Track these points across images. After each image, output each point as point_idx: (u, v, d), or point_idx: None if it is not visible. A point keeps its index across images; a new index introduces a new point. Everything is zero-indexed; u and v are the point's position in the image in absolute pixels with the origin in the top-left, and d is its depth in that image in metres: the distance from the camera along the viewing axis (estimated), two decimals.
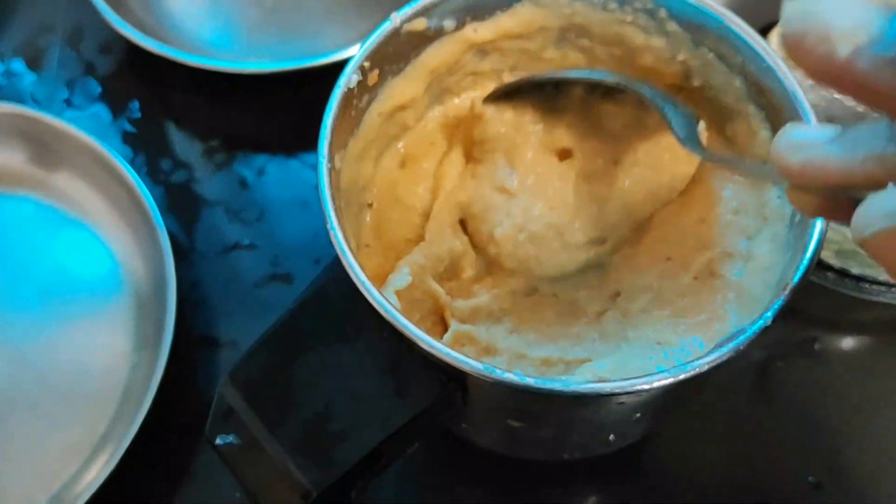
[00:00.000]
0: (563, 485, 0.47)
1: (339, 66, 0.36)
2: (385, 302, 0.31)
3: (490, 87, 0.44)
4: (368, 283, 0.32)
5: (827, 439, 0.49)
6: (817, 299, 0.51)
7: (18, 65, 0.63)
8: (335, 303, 0.35)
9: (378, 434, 0.33)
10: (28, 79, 0.63)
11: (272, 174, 0.58)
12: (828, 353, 0.51)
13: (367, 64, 0.37)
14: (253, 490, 0.35)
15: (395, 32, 0.38)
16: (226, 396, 0.35)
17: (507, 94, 0.42)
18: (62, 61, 0.63)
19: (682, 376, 0.30)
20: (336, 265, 0.35)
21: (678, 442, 0.49)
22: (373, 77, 0.38)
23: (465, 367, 0.30)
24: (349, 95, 0.36)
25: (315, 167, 0.56)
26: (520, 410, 0.35)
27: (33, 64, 0.63)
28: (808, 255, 0.32)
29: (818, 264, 0.49)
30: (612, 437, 0.41)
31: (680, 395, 0.39)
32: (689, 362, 0.30)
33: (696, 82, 0.40)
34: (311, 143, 0.58)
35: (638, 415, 0.36)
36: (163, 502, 0.48)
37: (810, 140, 0.24)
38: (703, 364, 0.30)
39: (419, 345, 0.31)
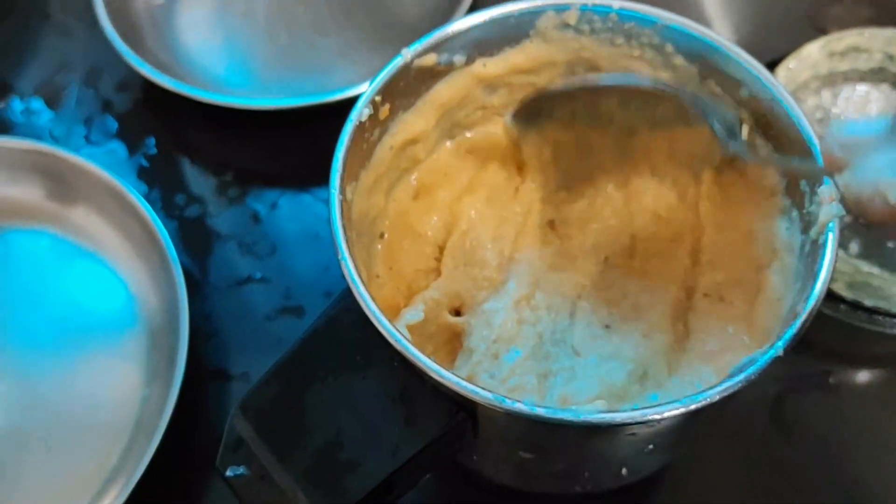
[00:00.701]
0: None
1: (350, 103, 0.37)
2: (396, 332, 0.32)
3: (499, 122, 0.45)
4: (379, 314, 0.32)
5: (846, 471, 0.48)
6: (830, 332, 0.51)
7: (37, 103, 0.64)
8: (346, 332, 0.35)
9: (389, 464, 0.33)
10: (47, 116, 0.64)
11: (284, 208, 0.59)
12: (843, 386, 0.51)
13: (378, 98, 0.37)
14: None
15: (406, 68, 0.39)
16: (236, 427, 0.35)
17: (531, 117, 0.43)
18: (80, 99, 0.64)
19: (693, 406, 0.30)
20: (347, 296, 0.35)
21: (693, 476, 0.48)
22: (384, 111, 0.38)
23: (475, 397, 0.30)
24: (361, 129, 0.37)
25: (327, 201, 0.58)
26: (531, 441, 0.35)
27: (52, 102, 0.64)
28: (819, 284, 0.32)
29: (830, 296, 0.49)
30: (624, 470, 0.41)
31: (693, 427, 0.39)
32: (700, 392, 0.30)
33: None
34: (322, 178, 0.59)
35: (651, 446, 0.36)
36: None
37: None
38: (714, 394, 0.30)
39: (429, 375, 0.31)
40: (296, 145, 0.61)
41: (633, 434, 0.33)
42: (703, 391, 0.30)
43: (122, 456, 0.49)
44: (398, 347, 0.31)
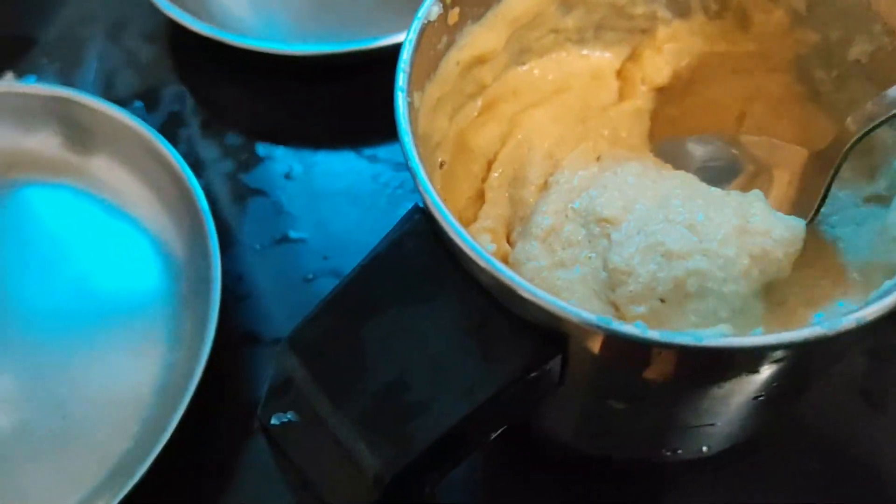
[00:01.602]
0: (651, 493, 0.41)
1: (390, 54, 0.32)
2: (480, 248, 0.27)
3: (572, 50, 0.40)
4: (460, 228, 0.27)
5: None
6: None
7: (59, 55, 0.60)
8: (411, 258, 0.30)
9: (463, 406, 0.28)
10: (69, 69, 0.60)
11: (321, 166, 0.55)
12: None
13: None
14: (314, 478, 0.30)
15: None
16: (284, 366, 0.30)
17: None
18: (103, 52, 0.60)
19: (839, 329, 0.25)
20: (412, 217, 0.30)
21: (777, 454, 0.44)
22: (453, 15, 0.34)
23: (574, 319, 0.26)
24: (429, 30, 0.32)
25: (369, 158, 0.54)
26: (626, 385, 0.30)
27: (74, 55, 0.60)
28: None
29: None
30: (714, 432, 0.36)
31: (805, 379, 0.34)
32: (846, 315, 0.25)
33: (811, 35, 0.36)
34: (361, 135, 0.56)
35: (762, 397, 0.31)
36: None
37: None
38: (863, 317, 0.25)
39: (520, 294, 0.26)
40: (333, 100, 0.57)
41: (756, 371, 0.28)
42: (849, 314, 0.25)
43: (144, 426, 0.45)
44: (483, 264, 0.26)
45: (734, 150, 0.38)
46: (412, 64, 0.31)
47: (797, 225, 0.33)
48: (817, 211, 0.35)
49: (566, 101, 0.39)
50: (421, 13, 0.32)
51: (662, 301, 0.31)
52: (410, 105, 0.30)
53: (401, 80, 0.30)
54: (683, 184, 0.35)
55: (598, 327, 0.25)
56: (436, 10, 0.32)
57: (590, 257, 0.34)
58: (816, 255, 0.35)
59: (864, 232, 0.35)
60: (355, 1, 0.59)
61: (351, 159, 0.55)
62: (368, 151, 0.55)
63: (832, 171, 0.34)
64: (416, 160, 0.29)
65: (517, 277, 0.26)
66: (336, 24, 0.58)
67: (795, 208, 0.35)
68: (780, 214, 0.33)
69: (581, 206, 0.35)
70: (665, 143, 0.40)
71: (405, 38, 0.31)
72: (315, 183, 0.54)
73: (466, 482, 0.43)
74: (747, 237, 0.32)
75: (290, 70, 0.57)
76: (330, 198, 0.53)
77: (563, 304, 0.26)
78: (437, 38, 0.34)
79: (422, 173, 0.28)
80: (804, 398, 0.44)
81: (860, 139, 0.32)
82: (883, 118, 0.31)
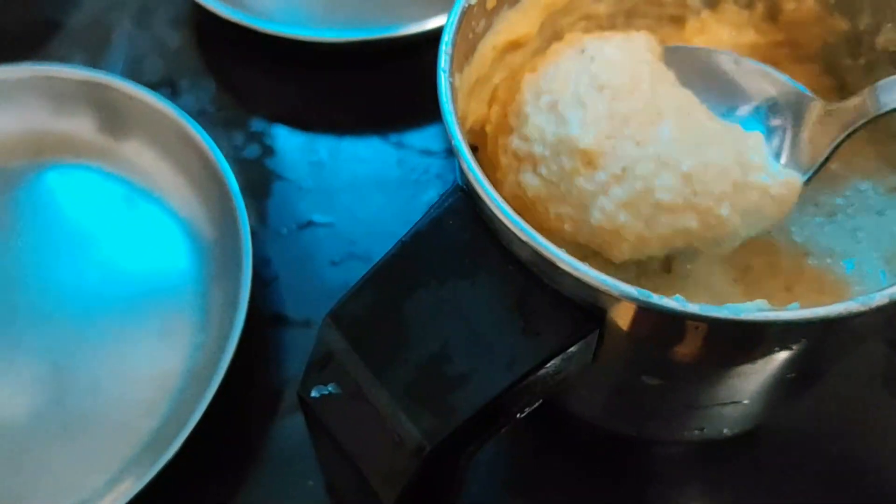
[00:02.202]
0: (673, 472, 0.42)
1: (420, 42, 0.33)
2: (520, 220, 0.28)
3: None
4: (501, 201, 0.28)
5: None
6: None
7: (86, 41, 0.61)
8: (452, 234, 0.31)
9: (505, 377, 0.29)
10: (95, 55, 0.60)
11: (349, 151, 0.55)
12: None
13: None
14: (353, 450, 0.31)
15: None
16: (326, 339, 0.31)
17: None
18: (131, 38, 0.61)
19: (873, 304, 0.26)
20: (452, 194, 0.31)
21: (796, 438, 0.44)
22: (492, 0, 0.34)
23: (614, 292, 0.26)
24: (469, 14, 0.33)
25: (396, 144, 0.55)
26: (661, 360, 0.31)
27: (100, 41, 0.61)
28: None
29: None
30: (741, 412, 0.36)
31: (836, 357, 0.35)
32: (883, 290, 0.26)
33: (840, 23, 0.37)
34: (389, 122, 0.57)
35: (793, 374, 0.32)
36: (229, 491, 0.44)
37: None
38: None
39: (561, 267, 0.27)
40: (359, 86, 0.58)
41: (788, 348, 0.29)
42: (884, 289, 0.26)
43: (173, 407, 0.45)
44: (525, 237, 0.27)
45: (748, 76, 0.36)
46: (454, 45, 0.31)
47: (794, 182, 0.32)
48: (817, 171, 0.33)
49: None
50: None
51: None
52: (452, 86, 0.31)
53: (443, 61, 0.31)
54: (680, 108, 0.33)
55: (637, 300, 0.26)
56: None
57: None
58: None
59: (886, 222, 0.36)
60: None
61: (376, 145, 0.55)
62: (394, 137, 0.55)
63: (843, 135, 0.33)
64: (459, 139, 0.29)
65: (558, 251, 0.27)
66: (363, 10, 0.59)
67: (795, 157, 0.34)
68: (777, 167, 0.32)
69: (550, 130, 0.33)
70: (675, 49, 0.38)
71: (447, 20, 0.32)
72: (340, 168, 0.55)
73: (489, 462, 0.44)
74: (742, 192, 0.31)
75: (316, 56, 0.57)
76: (356, 183, 0.54)
77: (602, 276, 0.26)
78: (477, 21, 0.34)
79: (465, 151, 0.29)
80: (825, 385, 0.44)
81: (883, 115, 0.32)
82: None
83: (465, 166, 0.29)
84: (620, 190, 0.31)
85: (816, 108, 0.34)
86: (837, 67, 0.39)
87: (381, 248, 0.50)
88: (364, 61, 0.57)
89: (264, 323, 0.49)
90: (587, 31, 0.41)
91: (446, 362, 0.29)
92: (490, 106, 0.38)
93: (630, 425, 0.38)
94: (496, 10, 0.35)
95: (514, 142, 0.34)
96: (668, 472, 0.43)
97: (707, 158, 0.31)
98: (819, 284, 0.35)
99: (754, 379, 0.32)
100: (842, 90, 0.39)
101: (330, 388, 0.31)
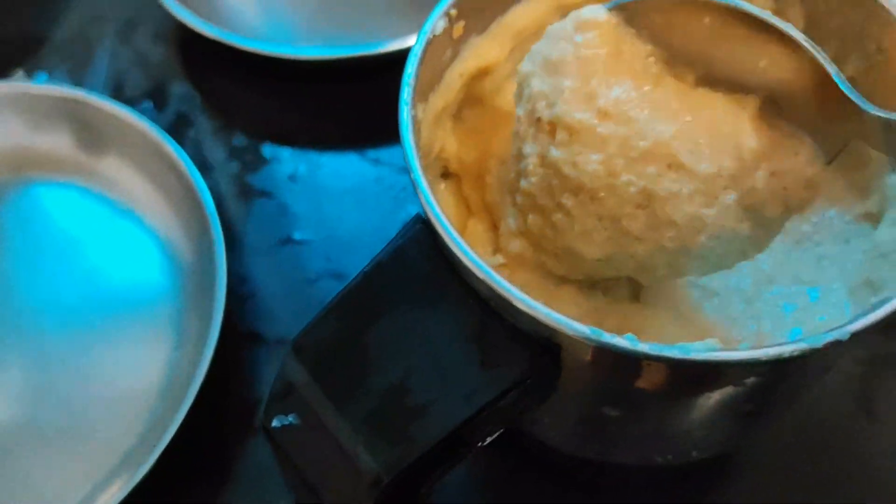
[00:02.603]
0: (647, 494, 0.42)
1: (398, 57, 0.33)
2: (476, 257, 0.28)
3: None
4: (457, 236, 0.28)
5: None
6: None
7: (68, 55, 0.61)
8: (415, 265, 0.31)
9: (462, 410, 0.29)
10: (79, 68, 0.60)
11: (328, 167, 0.56)
12: None
13: (453, 12, 0.34)
14: (313, 479, 0.31)
15: None
16: (287, 370, 0.31)
17: None
18: (113, 53, 0.61)
19: (822, 344, 0.26)
20: (416, 224, 0.31)
21: (769, 459, 0.45)
22: (458, 29, 0.35)
23: (567, 331, 0.26)
24: (434, 44, 0.33)
25: (373, 161, 0.55)
26: (619, 393, 0.31)
27: (83, 55, 0.61)
28: None
29: None
30: (705, 439, 0.37)
31: (793, 391, 0.35)
32: (832, 329, 0.26)
33: None
34: (368, 137, 0.57)
35: (750, 406, 0.32)
36: None
37: None
38: (856, 327, 0.26)
39: (515, 305, 0.27)
40: (340, 102, 0.58)
41: (742, 384, 0.29)
42: (834, 329, 0.26)
43: (148, 424, 0.46)
44: (479, 274, 0.27)
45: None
46: (417, 77, 0.32)
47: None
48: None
49: None
50: (427, 27, 0.33)
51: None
52: (414, 118, 0.31)
53: (406, 93, 0.31)
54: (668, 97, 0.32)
55: (589, 339, 0.26)
56: (441, 25, 0.33)
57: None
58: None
59: (851, 251, 0.36)
60: (363, 4, 0.60)
61: (355, 162, 0.56)
62: (373, 154, 0.56)
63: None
64: (418, 172, 0.29)
65: (512, 289, 0.27)
66: (344, 26, 0.59)
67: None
68: None
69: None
70: None
71: (411, 51, 0.32)
72: (320, 185, 0.55)
73: (461, 485, 0.44)
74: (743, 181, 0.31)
75: (298, 72, 0.57)
76: (334, 200, 0.54)
77: (555, 315, 0.26)
78: (442, 50, 0.34)
79: (423, 185, 0.29)
80: (798, 405, 0.44)
81: None
82: None
83: (423, 200, 0.29)
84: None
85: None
86: None
87: (357, 266, 0.51)
88: (346, 77, 0.58)
89: (240, 340, 0.49)
90: None
91: (406, 394, 0.30)
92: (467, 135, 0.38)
93: (596, 452, 0.38)
94: (463, 38, 0.36)
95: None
96: (642, 494, 0.43)
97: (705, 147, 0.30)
98: (782, 313, 0.35)
99: (714, 410, 0.32)
100: None
101: (291, 419, 0.31)
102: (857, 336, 0.26)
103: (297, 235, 0.53)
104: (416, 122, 0.32)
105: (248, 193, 0.55)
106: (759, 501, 0.43)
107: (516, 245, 0.35)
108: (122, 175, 0.53)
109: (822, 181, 0.34)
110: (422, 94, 0.33)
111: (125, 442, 0.45)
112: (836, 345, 0.26)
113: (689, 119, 0.31)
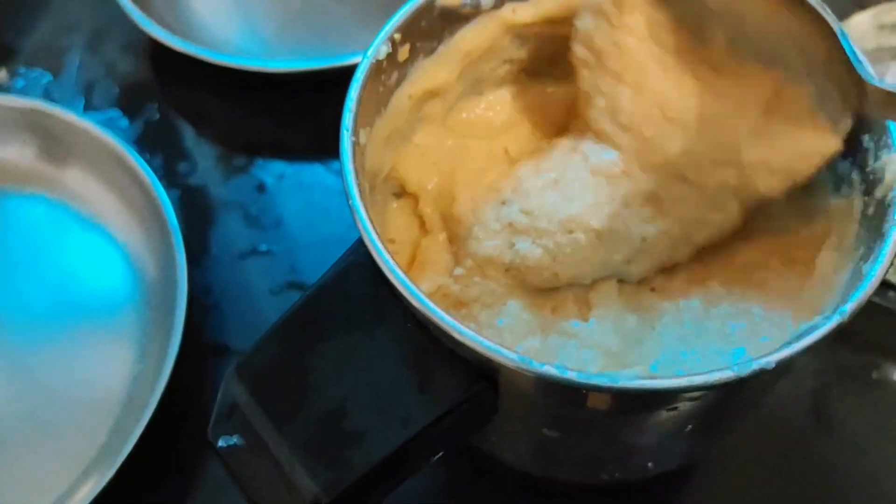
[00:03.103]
0: None
1: None
2: (410, 285, 0.28)
3: (526, 80, 0.41)
4: (393, 264, 0.29)
5: (887, 473, 0.45)
6: (877, 322, 0.47)
7: (38, 64, 0.61)
8: (355, 289, 0.31)
9: (399, 435, 0.29)
10: (47, 80, 0.61)
11: (292, 179, 0.56)
12: (887, 382, 0.47)
13: (397, 36, 0.34)
14: (257, 499, 0.32)
15: (429, 6, 0.35)
16: (230, 391, 0.32)
17: None
18: (83, 63, 0.61)
19: (745, 373, 0.26)
20: (357, 249, 0.32)
21: (726, 472, 0.45)
22: (403, 53, 0.35)
23: (498, 359, 0.27)
24: (377, 68, 0.34)
25: (338, 173, 0.55)
26: (556, 416, 0.31)
27: (53, 65, 0.61)
28: (889, 245, 0.29)
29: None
30: (651, 463, 0.37)
31: (736, 411, 0.35)
32: (756, 358, 0.26)
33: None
34: (332, 149, 0.55)
35: (690, 427, 0.32)
36: None
37: None
38: (770, 361, 0.26)
39: (449, 333, 0.27)
40: (306, 114, 0.58)
41: (675, 408, 0.29)
42: (760, 357, 0.26)
43: (111, 433, 0.46)
44: (414, 302, 0.28)
45: None
46: (359, 103, 0.32)
47: None
48: None
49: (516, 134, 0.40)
50: (369, 52, 0.33)
51: None
52: (356, 143, 0.31)
53: (347, 119, 0.31)
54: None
55: (519, 367, 0.26)
56: (384, 49, 0.33)
57: None
58: None
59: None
60: (330, 17, 0.60)
61: (320, 173, 0.56)
62: (336, 166, 0.56)
63: None
64: (357, 199, 0.30)
65: (446, 317, 0.27)
66: (312, 39, 0.60)
67: None
68: None
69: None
70: None
71: (353, 77, 0.32)
72: (285, 196, 0.55)
73: (422, 492, 0.45)
74: None
75: (265, 84, 0.58)
76: (299, 211, 0.55)
77: (487, 343, 0.27)
78: (387, 74, 0.35)
79: (362, 212, 0.29)
80: (755, 416, 0.45)
81: None
82: None
83: (361, 227, 0.29)
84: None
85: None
86: None
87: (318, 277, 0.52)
88: (314, 89, 0.58)
89: (204, 350, 0.50)
90: (511, 74, 0.41)
91: (344, 417, 0.30)
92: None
93: (542, 469, 0.38)
94: (410, 61, 0.36)
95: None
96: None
97: None
98: (728, 332, 0.35)
99: (654, 432, 0.32)
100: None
101: (235, 440, 0.32)
102: (783, 363, 0.27)
103: (262, 246, 0.53)
104: (359, 147, 0.32)
105: (214, 204, 0.55)
106: None
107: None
108: (86, 187, 0.53)
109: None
110: (366, 118, 0.33)
111: (88, 451, 0.46)
112: (761, 373, 0.27)
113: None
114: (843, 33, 0.31)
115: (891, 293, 0.46)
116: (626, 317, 0.36)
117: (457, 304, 0.36)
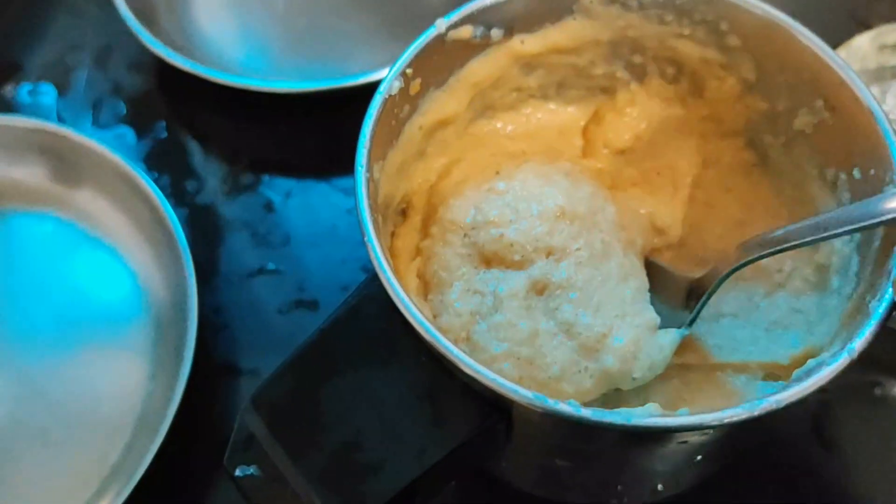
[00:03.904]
0: None
1: (370, 89, 0.34)
2: (426, 322, 0.29)
3: (536, 105, 0.42)
4: (408, 301, 0.29)
5: (890, 489, 0.45)
6: (878, 340, 0.48)
7: (46, 84, 0.62)
8: (369, 323, 0.32)
9: (413, 468, 0.30)
10: (55, 98, 0.61)
11: (299, 198, 0.56)
12: (890, 399, 0.48)
13: (409, 71, 0.35)
14: None
15: (440, 39, 0.36)
16: (247, 423, 0.32)
17: None
18: (90, 81, 0.62)
19: (757, 412, 0.27)
20: (371, 283, 0.32)
21: (730, 486, 0.45)
22: (415, 86, 0.36)
23: (513, 396, 0.27)
24: (390, 103, 0.34)
25: (345, 191, 0.56)
26: (568, 448, 0.32)
27: (61, 83, 0.62)
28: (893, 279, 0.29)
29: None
30: (660, 486, 0.38)
31: (745, 438, 0.36)
32: (765, 397, 0.27)
33: (761, 103, 0.38)
34: (339, 168, 0.58)
35: (699, 457, 0.33)
36: None
37: None
38: (782, 399, 0.27)
39: (462, 369, 0.28)
40: (312, 133, 0.58)
41: (685, 441, 0.30)
42: (770, 395, 0.27)
43: (124, 453, 0.47)
44: (428, 339, 0.28)
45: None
46: (372, 139, 0.32)
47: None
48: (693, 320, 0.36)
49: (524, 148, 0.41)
50: (382, 88, 0.33)
51: None
52: (370, 179, 0.32)
53: (361, 157, 0.32)
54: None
55: (533, 404, 0.27)
56: (397, 85, 0.34)
57: None
58: None
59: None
60: (335, 37, 0.61)
61: (326, 192, 0.56)
62: (343, 184, 0.56)
63: (706, 295, 0.36)
64: (372, 235, 0.30)
65: (461, 354, 0.28)
66: (317, 58, 0.60)
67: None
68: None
69: None
70: None
71: (367, 114, 0.33)
72: (292, 215, 0.56)
73: None
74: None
75: (271, 104, 0.58)
76: (307, 230, 0.55)
77: (502, 381, 0.27)
78: (400, 108, 0.35)
79: (377, 248, 0.30)
80: (757, 434, 0.45)
81: (735, 270, 0.35)
82: (758, 255, 0.34)
83: (376, 265, 0.30)
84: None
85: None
86: (760, 143, 0.40)
87: (327, 296, 0.52)
88: (319, 108, 0.58)
89: (214, 369, 0.50)
90: (519, 101, 0.42)
91: (359, 450, 0.31)
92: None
93: (553, 494, 0.39)
94: (421, 94, 0.36)
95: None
96: None
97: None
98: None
99: (661, 463, 0.33)
100: (764, 165, 0.40)
101: (252, 470, 0.32)
102: (794, 402, 0.27)
103: (270, 266, 0.54)
104: (373, 182, 0.32)
105: (222, 223, 0.55)
106: None
107: None
108: (96, 207, 0.53)
109: None
110: (379, 151, 0.34)
111: (100, 473, 0.46)
112: (772, 411, 0.27)
113: None
114: None
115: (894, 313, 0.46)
116: None
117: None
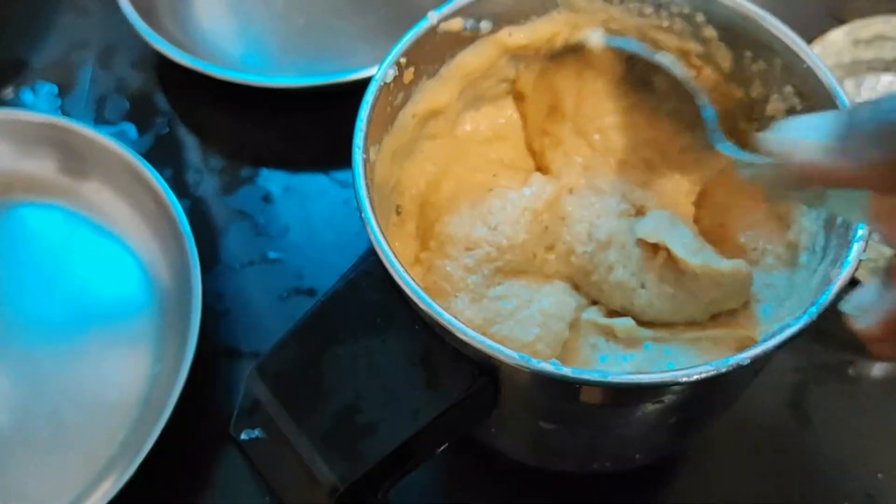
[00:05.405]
0: (590, 501, 0.45)
1: (366, 84, 0.36)
2: (418, 289, 0.31)
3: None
4: (402, 270, 0.31)
5: (864, 463, 0.47)
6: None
7: (50, 79, 0.64)
8: (366, 295, 0.34)
9: (408, 427, 0.32)
10: (60, 94, 0.63)
11: (298, 189, 0.58)
12: (863, 378, 0.50)
13: (402, 60, 0.37)
14: (278, 487, 0.34)
15: (432, 31, 0.38)
16: (252, 389, 0.34)
17: None
18: (94, 78, 0.64)
19: (724, 369, 0.29)
20: (367, 258, 0.34)
21: (709, 461, 0.48)
22: (408, 75, 0.38)
23: (498, 356, 0.30)
24: (385, 90, 0.36)
25: (342, 183, 0.58)
26: (552, 409, 0.34)
27: (66, 80, 0.64)
28: (854, 250, 0.32)
29: (853, 283, 0.48)
30: (641, 449, 0.40)
31: (717, 403, 0.38)
32: (733, 356, 0.29)
33: (735, 91, 0.40)
34: (338, 160, 0.60)
35: (674, 419, 0.35)
36: None
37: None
38: (745, 357, 0.29)
39: (453, 332, 0.30)
40: (310, 127, 0.61)
41: (660, 401, 0.32)
42: (736, 355, 0.29)
43: (130, 433, 0.49)
44: (421, 306, 0.31)
45: None
46: (369, 122, 0.35)
47: None
48: None
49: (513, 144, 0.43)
50: (378, 76, 0.36)
51: None
52: (366, 160, 0.34)
53: (358, 138, 0.34)
54: None
55: (518, 363, 0.29)
56: (391, 73, 0.36)
57: None
58: None
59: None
60: (333, 34, 0.63)
61: (324, 183, 0.59)
62: (340, 176, 0.59)
63: None
64: (368, 211, 0.32)
65: (453, 319, 0.30)
66: (315, 55, 0.62)
67: None
68: None
69: None
70: None
71: (363, 99, 0.35)
72: (291, 206, 0.58)
73: (422, 485, 0.47)
74: None
75: (270, 98, 0.60)
76: (305, 220, 0.57)
77: (488, 342, 0.30)
78: (394, 96, 0.37)
79: (373, 223, 0.32)
80: (736, 411, 0.48)
81: None
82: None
83: (372, 238, 0.32)
84: None
85: None
86: (736, 130, 0.42)
87: (326, 284, 0.54)
88: (317, 103, 0.61)
89: (217, 354, 0.52)
90: (508, 92, 0.44)
91: (358, 412, 0.33)
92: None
93: (537, 460, 0.41)
94: (414, 83, 0.39)
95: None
96: (588, 495, 0.46)
97: None
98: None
99: (641, 423, 0.35)
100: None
101: (257, 433, 0.34)
102: (759, 358, 0.30)
103: (270, 254, 0.56)
104: (369, 164, 0.35)
105: (224, 214, 0.57)
106: (694, 502, 0.46)
107: None
108: (102, 198, 0.55)
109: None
110: (375, 136, 0.36)
111: (108, 451, 0.48)
112: (739, 368, 0.29)
113: None
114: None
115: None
116: None
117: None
